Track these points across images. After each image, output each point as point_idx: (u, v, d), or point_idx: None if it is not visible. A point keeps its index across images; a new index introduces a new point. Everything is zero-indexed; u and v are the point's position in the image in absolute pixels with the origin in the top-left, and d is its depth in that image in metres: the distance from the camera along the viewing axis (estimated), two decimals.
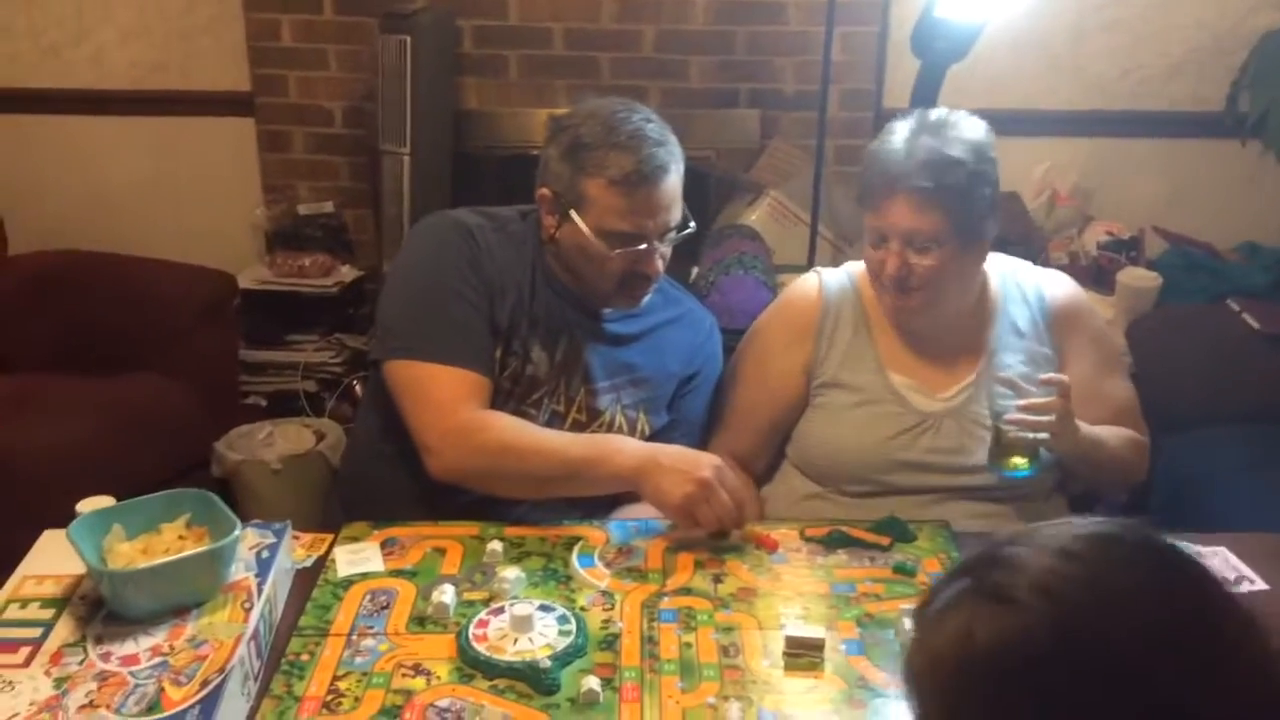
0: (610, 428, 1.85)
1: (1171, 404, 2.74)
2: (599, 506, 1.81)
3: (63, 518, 1.47)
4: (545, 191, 1.81)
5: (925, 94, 2.36)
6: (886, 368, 1.89)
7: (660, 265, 1.80)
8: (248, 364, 3.25)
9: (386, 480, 1.84)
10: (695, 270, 3.00)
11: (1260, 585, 1.61)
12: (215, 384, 3.13)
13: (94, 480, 2.50)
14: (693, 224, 1.83)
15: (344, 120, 3.53)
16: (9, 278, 3.14)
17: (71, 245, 3.28)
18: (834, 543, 1.66)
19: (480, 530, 1.68)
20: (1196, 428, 2.70)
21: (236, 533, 1.42)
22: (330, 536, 1.68)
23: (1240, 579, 1.62)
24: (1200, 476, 2.58)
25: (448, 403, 1.71)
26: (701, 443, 1.94)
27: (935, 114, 1.84)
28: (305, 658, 1.40)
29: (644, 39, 3.39)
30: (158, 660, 1.32)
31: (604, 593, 1.54)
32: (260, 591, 1.42)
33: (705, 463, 1.66)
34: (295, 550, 1.63)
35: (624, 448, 1.73)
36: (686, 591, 1.55)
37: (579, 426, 1.84)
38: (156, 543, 1.44)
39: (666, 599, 1.53)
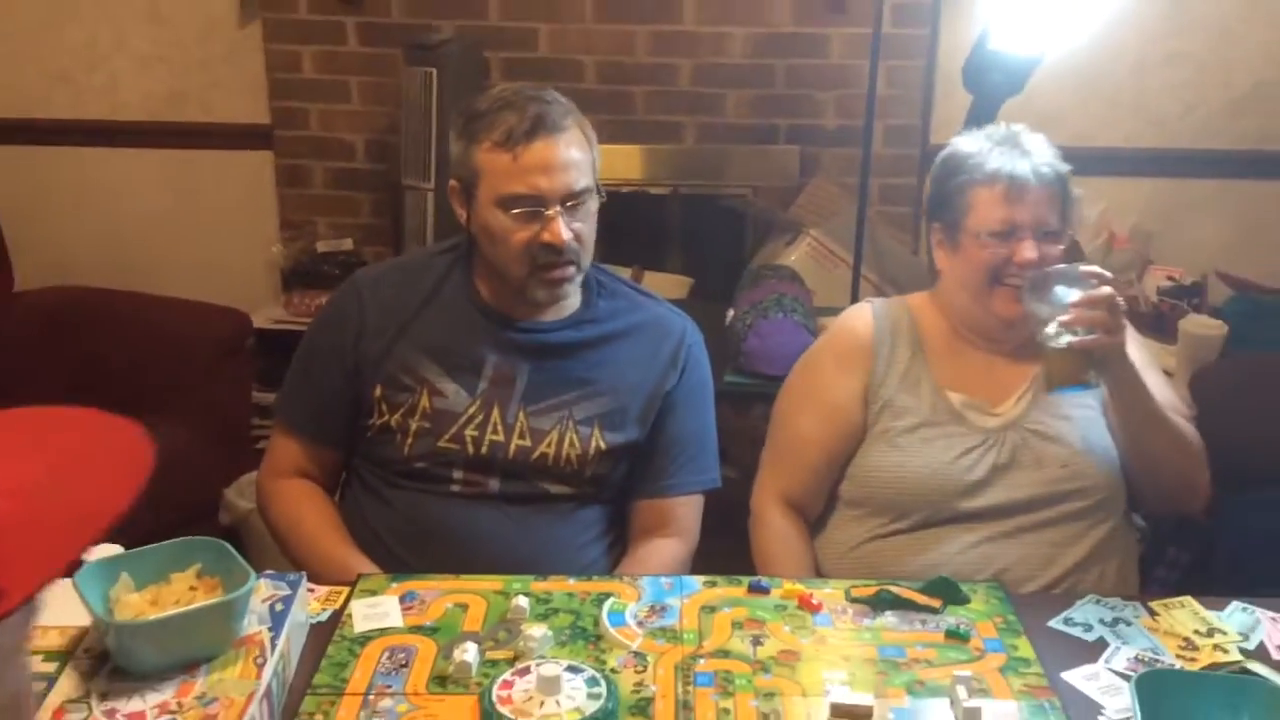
0: (560, 445, 1.86)
1: (1238, 459, 2.68)
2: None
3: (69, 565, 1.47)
4: (453, 183, 1.87)
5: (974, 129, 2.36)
6: (944, 388, 1.91)
7: (565, 233, 1.78)
8: (261, 407, 3.26)
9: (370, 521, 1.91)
10: (731, 312, 2.99)
11: None
12: (227, 427, 3.14)
13: None
14: (601, 196, 1.84)
15: (366, 154, 3.57)
16: (18, 315, 3.17)
17: (82, 281, 3.31)
18: (882, 604, 1.64)
19: (504, 585, 1.67)
20: (1265, 485, 2.66)
21: (251, 584, 1.42)
22: (346, 589, 1.67)
23: None
24: (1268, 536, 2.53)
25: (268, 464, 1.98)
26: (700, 467, 1.96)
27: (1006, 126, 1.94)
28: (320, 718, 1.39)
29: (680, 73, 3.41)
30: (165, 719, 1.31)
31: (636, 654, 1.52)
32: (274, 646, 1.41)
33: None
34: (310, 603, 1.62)
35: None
36: (724, 654, 1.53)
37: (524, 451, 1.85)
38: (166, 593, 1.43)
39: (703, 661, 1.51)
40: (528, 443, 1.86)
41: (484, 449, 1.85)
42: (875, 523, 1.91)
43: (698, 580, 1.70)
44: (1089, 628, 1.62)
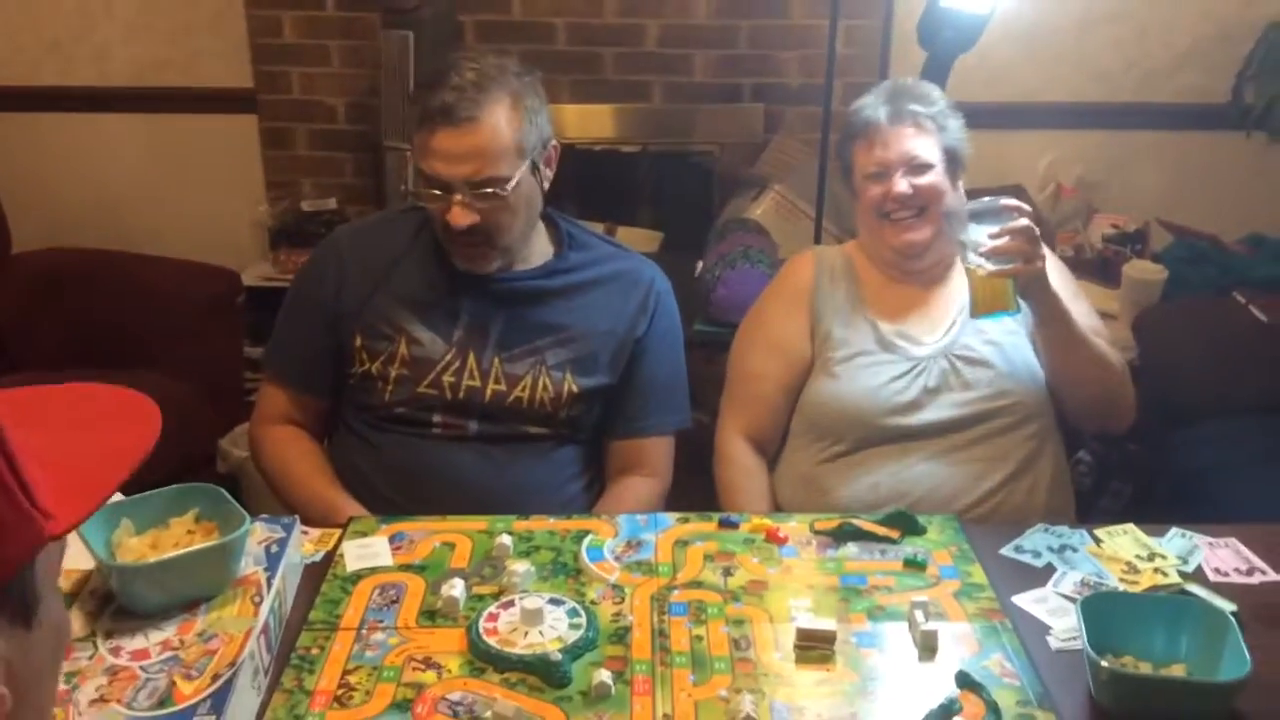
0: (533, 389, 1.86)
1: (1179, 396, 2.73)
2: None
3: None
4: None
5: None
6: (878, 320, 1.98)
7: (462, 219, 1.76)
8: (252, 360, 3.24)
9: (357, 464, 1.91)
10: (700, 264, 2.99)
11: (1272, 576, 1.60)
12: (220, 381, 3.13)
13: None
14: (507, 185, 1.75)
15: (347, 116, 3.53)
16: (14, 276, 3.14)
17: (76, 243, 3.28)
18: (844, 536, 1.65)
19: (489, 524, 1.68)
20: (1204, 420, 2.69)
21: (246, 526, 1.41)
22: (338, 532, 1.67)
23: (1252, 570, 1.61)
24: (1208, 468, 2.57)
25: (258, 413, 1.97)
26: (671, 409, 1.98)
27: (896, 80, 2.03)
28: (315, 651, 1.39)
29: (647, 34, 3.38)
30: (168, 655, 1.30)
31: (614, 586, 1.53)
32: (270, 586, 1.41)
33: None
34: (304, 545, 1.62)
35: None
36: (696, 585, 1.54)
37: (500, 396, 1.85)
38: (165, 537, 1.43)
39: (676, 592, 1.52)
40: (503, 387, 1.86)
41: (461, 394, 1.85)
42: (818, 447, 1.95)
43: (671, 517, 1.71)
44: (1038, 554, 1.64)
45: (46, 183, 3.61)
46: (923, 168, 1.91)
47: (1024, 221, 1.76)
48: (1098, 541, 1.67)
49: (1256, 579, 1.59)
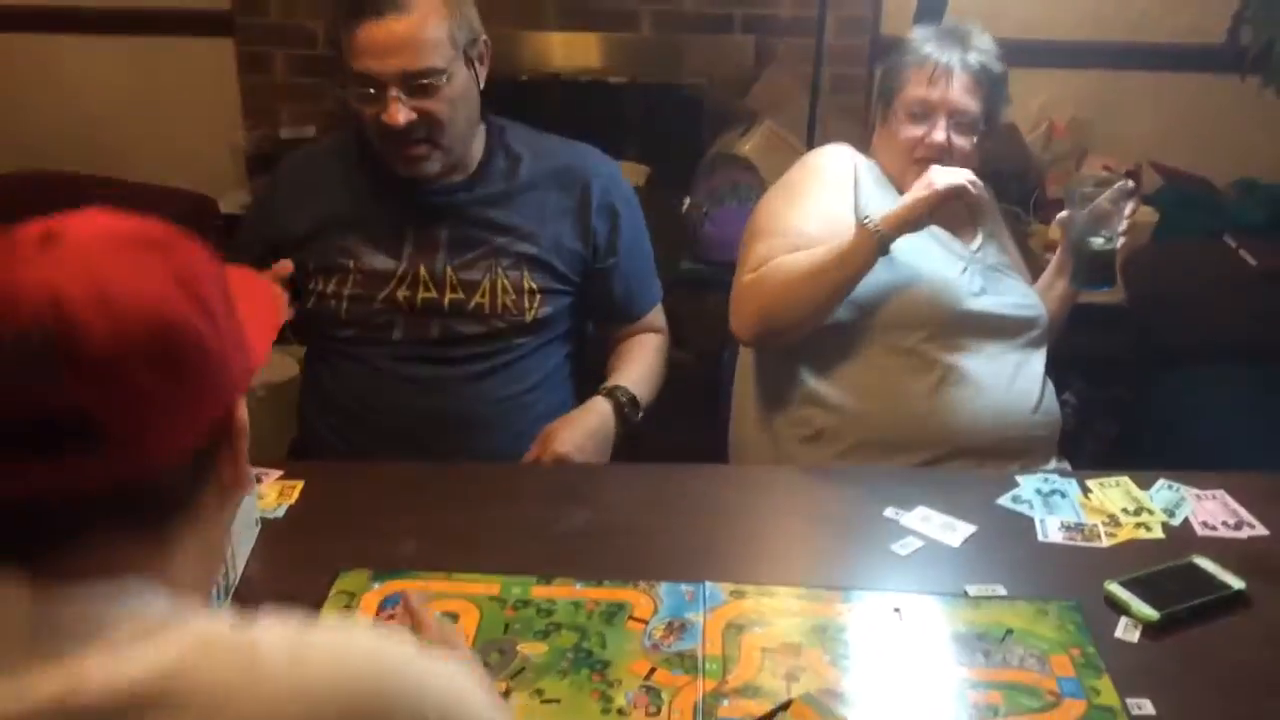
0: (493, 293, 1.81)
1: (1167, 340, 2.71)
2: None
3: None
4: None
5: (927, 21, 2.30)
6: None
7: (400, 115, 1.68)
8: None
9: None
10: (687, 200, 2.94)
11: (1260, 530, 1.58)
12: None
13: None
14: (442, 78, 1.69)
15: (327, 41, 3.43)
16: None
17: (46, 166, 3.19)
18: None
19: (502, 589, 1.37)
20: (1192, 364, 2.68)
21: None
22: (299, 483, 1.58)
23: (1240, 524, 1.59)
24: (1195, 412, 2.56)
25: None
26: (654, 282, 1.99)
27: (960, 23, 1.97)
28: None
29: None
30: None
31: (648, 689, 1.22)
32: None
33: None
34: (264, 497, 1.54)
35: None
36: (752, 692, 1.20)
37: (459, 304, 1.81)
38: None
39: (727, 702, 1.19)
40: (460, 295, 1.81)
41: (419, 304, 1.81)
42: (881, 346, 1.85)
43: (724, 590, 1.38)
44: (1031, 505, 1.62)
45: (14, 105, 3.50)
46: (968, 125, 1.87)
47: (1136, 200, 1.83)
48: (1087, 492, 1.65)
49: (1245, 533, 1.58)
